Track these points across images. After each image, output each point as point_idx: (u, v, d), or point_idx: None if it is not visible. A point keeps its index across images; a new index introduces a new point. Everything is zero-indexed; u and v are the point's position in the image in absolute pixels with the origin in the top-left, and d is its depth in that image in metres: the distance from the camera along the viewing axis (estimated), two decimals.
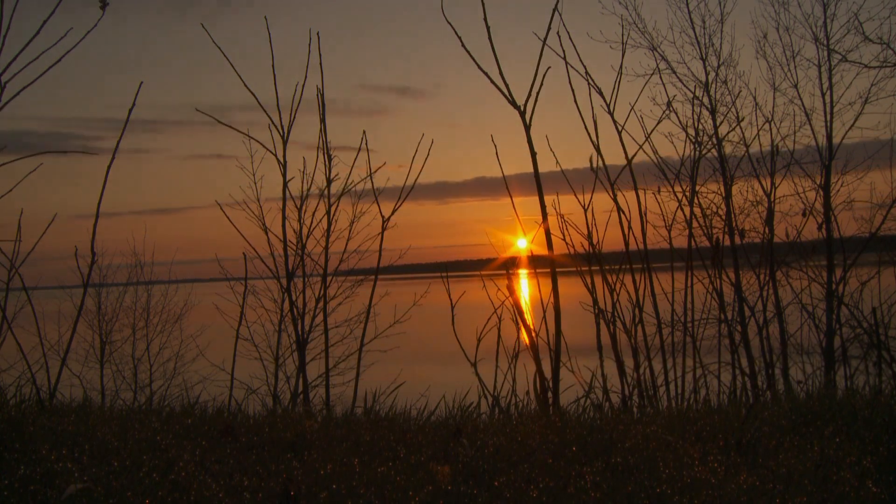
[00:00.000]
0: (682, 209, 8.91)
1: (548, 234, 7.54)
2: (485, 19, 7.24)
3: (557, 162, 8.22)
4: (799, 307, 9.02)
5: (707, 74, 9.21)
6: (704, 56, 9.22)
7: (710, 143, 9.11)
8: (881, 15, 8.84)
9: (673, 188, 8.94)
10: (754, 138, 9.23)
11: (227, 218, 8.48)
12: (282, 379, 8.54)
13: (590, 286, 8.25)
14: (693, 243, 8.88)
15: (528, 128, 7.36)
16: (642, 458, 4.40)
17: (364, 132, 8.53)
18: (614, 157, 8.19)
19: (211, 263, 9.18)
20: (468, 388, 7.86)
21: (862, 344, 8.63)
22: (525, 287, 8.76)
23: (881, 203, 8.88)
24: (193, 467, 4.29)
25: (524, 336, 7.62)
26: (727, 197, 9.09)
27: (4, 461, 4.33)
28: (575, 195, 8.28)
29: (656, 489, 3.89)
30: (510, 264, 8.09)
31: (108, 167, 7.45)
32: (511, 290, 7.64)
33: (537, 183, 7.43)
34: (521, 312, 7.56)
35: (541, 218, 7.51)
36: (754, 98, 9.22)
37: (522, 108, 7.37)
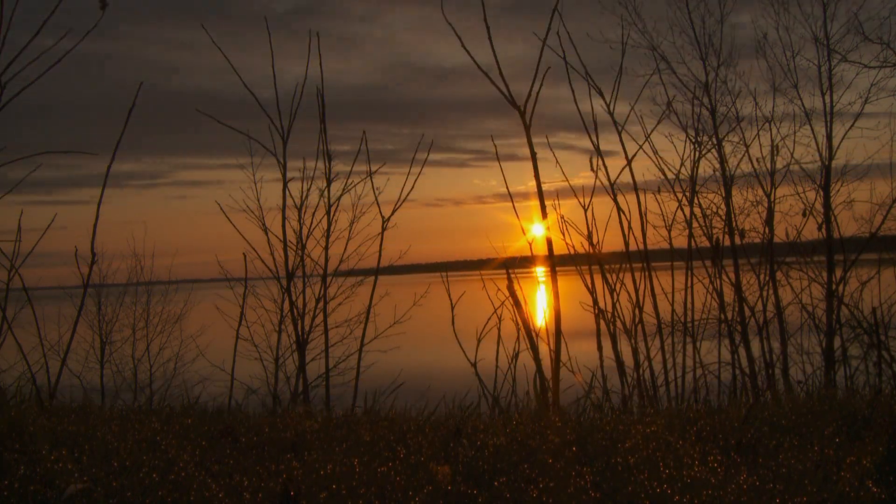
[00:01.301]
0: (682, 209, 8.92)
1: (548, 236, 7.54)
2: (485, 19, 7.24)
3: (557, 162, 8.25)
4: (799, 307, 9.02)
5: (707, 74, 9.21)
6: (704, 56, 9.22)
7: (710, 143, 9.12)
8: (881, 15, 8.83)
9: (673, 188, 8.95)
10: (754, 138, 9.24)
11: (227, 218, 8.49)
12: (282, 379, 8.54)
13: (590, 286, 8.26)
14: (693, 243, 8.88)
15: (528, 128, 7.36)
16: (642, 458, 4.40)
17: (364, 132, 8.55)
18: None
19: (211, 264, 9.19)
20: (468, 389, 7.86)
21: (862, 344, 8.63)
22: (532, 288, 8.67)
23: (881, 203, 8.89)
24: (193, 467, 4.29)
25: (524, 337, 7.61)
26: (727, 197, 9.09)
27: (4, 461, 4.33)
28: (575, 195, 8.30)
29: (656, 489, 3.89)
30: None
31: (108, 167, 7.46)
32: (511, 291, 7.63)
33: (537, 182, 7.43)
34: (521, 313, 7.55)
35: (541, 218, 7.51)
36: (754, 98, 9.23)
37: (522, 108, 7.36)
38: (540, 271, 8.07)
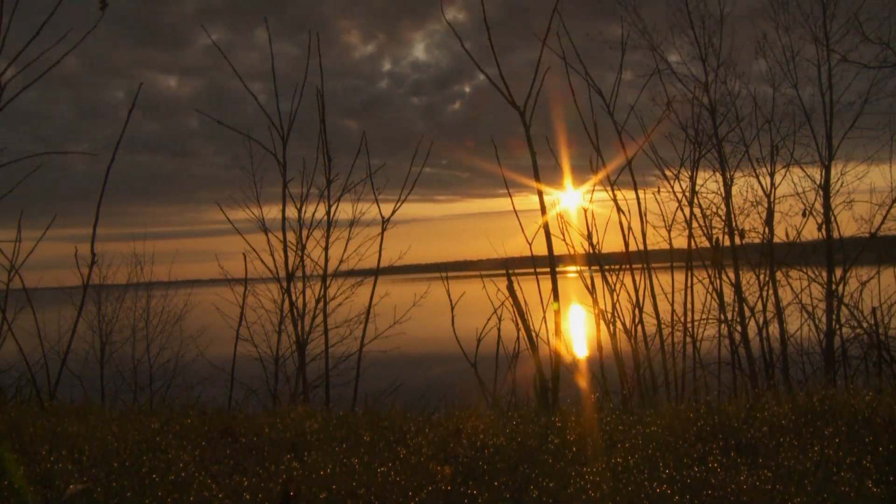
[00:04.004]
0: (681, 209, 8.92)
1: (547, 234, 7.53)
2: (485, 20, 7.24)
3: (557, 161, 8.24)
4: (799, 307, 9.02)
5: (707, 74, 9.21)
6: (704, 56, 9.23)
7: (710, 143, 9.11)
8: (881, 15, 8.83)
9: (673, 188, 8.95)
10: (754, 139, 9.24)
11: (227, 219, 8.50)
12: (282, 379, 8.53)
13: (590, 286, 8.26)
14: (693, 243, 8.88)
15: (527, 127, 7.36)
16: (642, 458, 4.40)
17: (364, 133, 8.55)
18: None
19: (211, 264, 9.20)
20: (468, 389, 7.86)
21: (862, 344, 8.63)
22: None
23: (881, 203, 8.89)
24: (193, 467, 4.29)
25: (524, 338, 7.61)
26: (727, 197, 9.09)
27: (4, 461, 4.33)
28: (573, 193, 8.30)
29: (656, 489, 3.89)
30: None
31: (108, 168, 7.46)
32: (510, 292, 7.62)
33: (536, 180, 7.42)
34: (521, 313, 7.55)
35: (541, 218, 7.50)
36: (754, 98, 9.23)
37: (522, 109, 7.36)
38: (540, 273, 8.07)
